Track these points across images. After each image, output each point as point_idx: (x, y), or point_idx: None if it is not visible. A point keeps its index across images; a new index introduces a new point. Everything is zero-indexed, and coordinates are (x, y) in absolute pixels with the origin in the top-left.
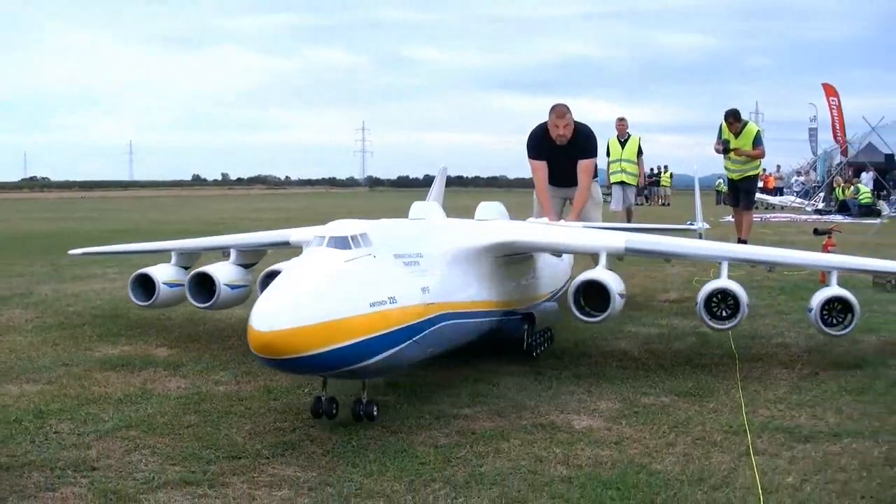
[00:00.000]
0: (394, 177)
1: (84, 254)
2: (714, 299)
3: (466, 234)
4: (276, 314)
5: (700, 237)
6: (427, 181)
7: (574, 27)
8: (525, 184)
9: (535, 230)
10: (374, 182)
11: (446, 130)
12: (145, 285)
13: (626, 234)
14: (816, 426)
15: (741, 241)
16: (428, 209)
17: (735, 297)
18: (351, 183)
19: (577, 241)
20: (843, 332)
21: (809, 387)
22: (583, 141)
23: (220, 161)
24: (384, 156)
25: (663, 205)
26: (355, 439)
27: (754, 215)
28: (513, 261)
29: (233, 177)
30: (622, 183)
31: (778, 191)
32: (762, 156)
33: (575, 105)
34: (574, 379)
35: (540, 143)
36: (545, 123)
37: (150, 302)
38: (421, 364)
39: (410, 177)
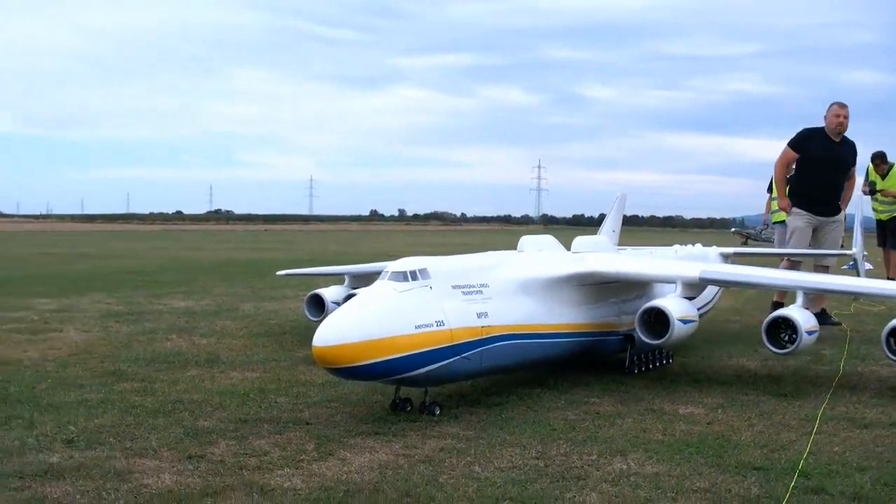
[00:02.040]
0: (569, 215)
1: (287, 274)
2: (779, 327)
3: (546, 266)
4: (329, 333)
5: (854, 263)
6: (602, 220)
7: (749, 65)
8: (700, 224)
9: (617, 261)
10: (548, 220)
11: (621, 169)
12: (318, 304)
13: (703, 264)
14: (879, 419)
15: (890, 279)
16: (534, 242)
17: (794, 326)
18: (525, 221)
19: (654, 269)
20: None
21: (892, 394)
22: (852, 147)
23: (398, 197)
24: (559, 194)
25: None
26: (504, 412)
27: None
28: (613, 287)
29: (409, 213)
30: (783, 222)
31: None
32: None
33: (748, 144)
34: (692, 382)
35: (808, 137)
36: (819, 127)
37: (321, 318)
38: (486, 376)
39: (585, 215)
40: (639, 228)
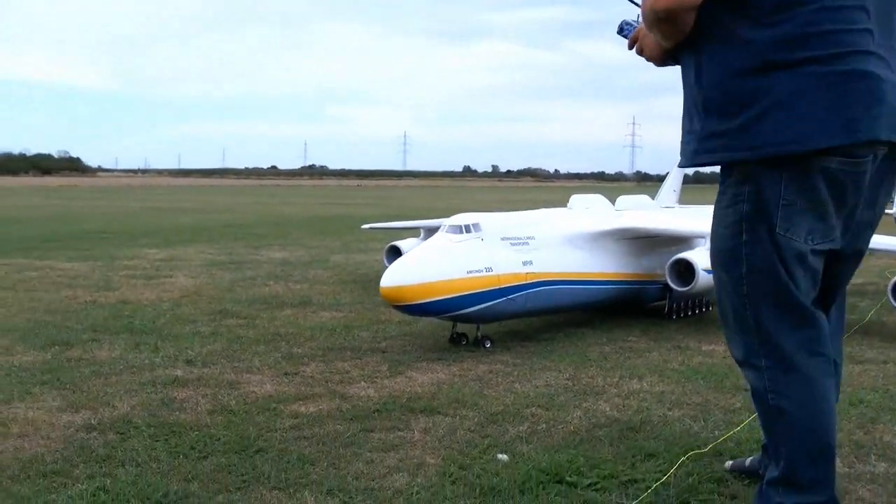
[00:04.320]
0: (663, 172)
1: (370, 228)
2: None
3: (589, 221)
4: (394, 276)
5: None
6: (695, 177)
7: None
8: None
9: (649, 218)
10: (642, 177)
11: None
12: (396, 254)
13: None
14: (875, 357)
15: None
16: (582, 201)
17: None
18: (619, 177)
19: (682, 226)
20: None
21: None
22: None
23: (491, 153)
24: (654, 150)
25: None
26: (549, 346)
27: None
28: (654, 241)
29: (502, 169)
30: None
31: None
32: None
33: None
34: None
35: None
36: None
37: None
38: (530, 316)
39: None
40: None
